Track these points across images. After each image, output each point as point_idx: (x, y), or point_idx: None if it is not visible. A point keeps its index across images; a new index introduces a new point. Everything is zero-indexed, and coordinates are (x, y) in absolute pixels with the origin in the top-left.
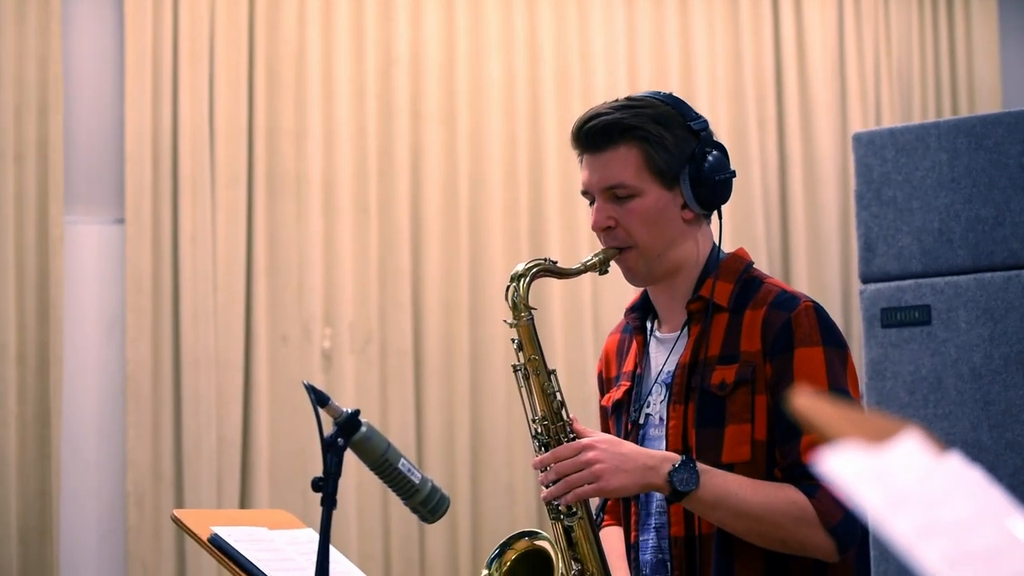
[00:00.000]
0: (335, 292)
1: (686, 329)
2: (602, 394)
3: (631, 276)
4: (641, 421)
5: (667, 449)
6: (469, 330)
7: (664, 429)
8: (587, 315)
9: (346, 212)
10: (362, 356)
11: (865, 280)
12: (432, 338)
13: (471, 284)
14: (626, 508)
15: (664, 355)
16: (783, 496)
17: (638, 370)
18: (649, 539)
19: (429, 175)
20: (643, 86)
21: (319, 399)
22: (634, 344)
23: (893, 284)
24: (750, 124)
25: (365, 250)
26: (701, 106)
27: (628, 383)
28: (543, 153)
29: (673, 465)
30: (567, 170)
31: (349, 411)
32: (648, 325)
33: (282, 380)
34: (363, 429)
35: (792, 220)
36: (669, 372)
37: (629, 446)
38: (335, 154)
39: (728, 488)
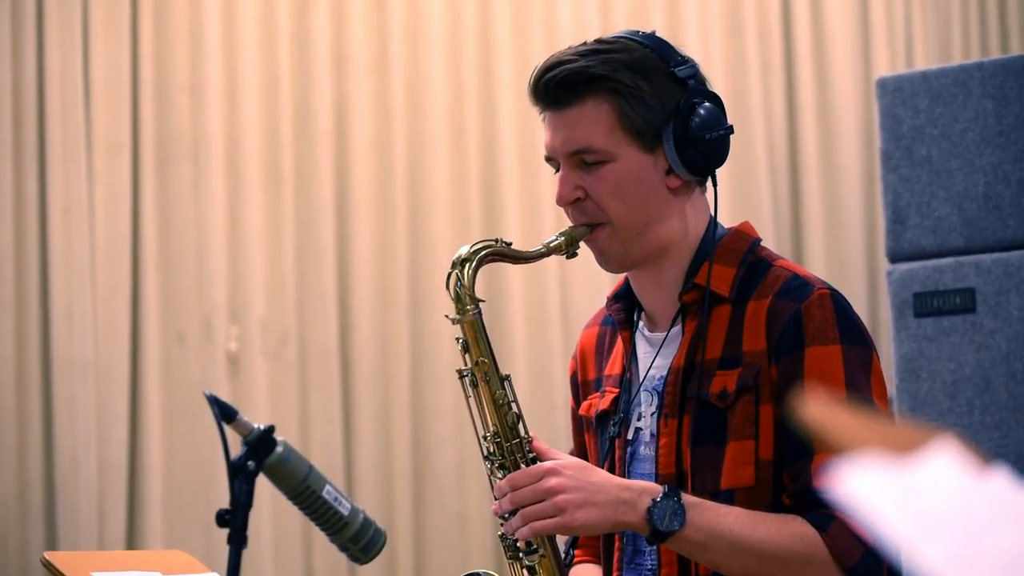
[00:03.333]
0: (242, 281)
1: (679, 325)
2: (576, 400)
3: (604, 260)
4: (630, 436)
5: (657, 472)
6: (408, 325)
7: (655, 448)
8: (553, 308)
9: (255, 182)
10: (277, 359)
11: (894, 259)
12: (363, 336)
13: (410, 269)
14: (608, 544)
15: (654, 356)
16: (789, 531)
17: (627, 374)
18: None
19: (357, 136)
20: (619, 24)
21: (224, 413)
22: (619, 341)
23: (929, 263)
24: (751, 68)
25: (279, 229)
26: (690, 46)
27: (616, 390)
28: (497, 108)
29: (653, 499)
30: (526, 128)
31: (262, 427)
32: (636, 318)
33: (178, 389)
34: (279, 449)
35: (804, 185)
36: (661, 378)
37: (601, 474)
38: (240, 111)
39: (721, 524)
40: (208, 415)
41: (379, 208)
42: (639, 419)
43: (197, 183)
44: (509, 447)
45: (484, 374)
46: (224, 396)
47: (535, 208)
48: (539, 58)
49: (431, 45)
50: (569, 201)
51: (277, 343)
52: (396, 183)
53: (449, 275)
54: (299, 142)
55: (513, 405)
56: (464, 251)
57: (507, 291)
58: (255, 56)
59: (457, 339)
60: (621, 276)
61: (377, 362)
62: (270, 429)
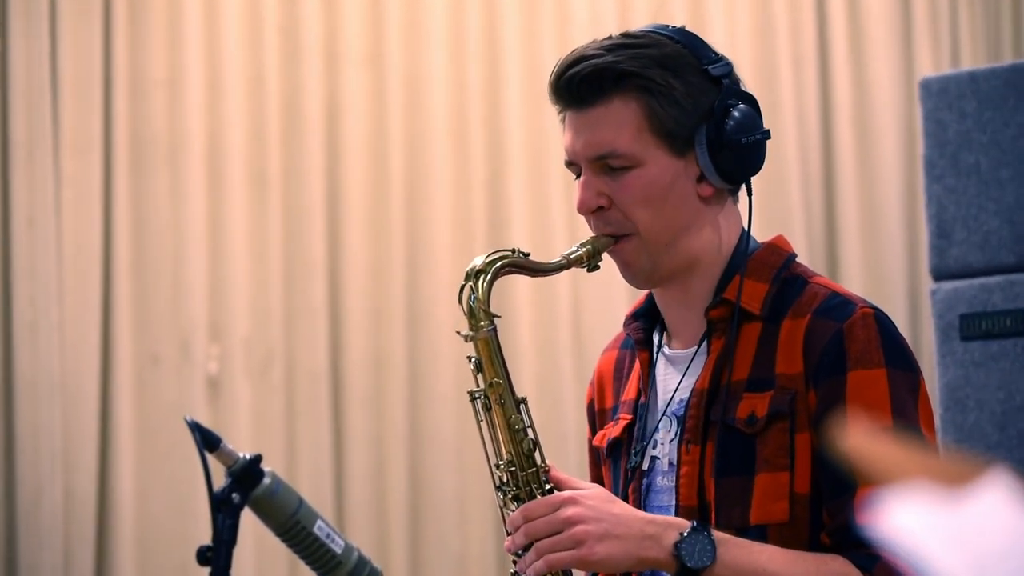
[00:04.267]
0: (224, 295)
1: (705, 344)
2: (593, 430)
3: (630, 274)
4: (645, 466)
5: (677, 504)
6: (405, 344)
7: (675, 478)
8: (564, 325)
9: (238, 187)
10: (261, 381)
11: (938, 276)
12: (355, 356)
13: (407, 283)
14: None
15: (676, 378)
16: (828, 570)
17: (642, 398)
18: None
19: (350, 136)
20: (638, 19)
21: (207, 441)
22: (636, 364)
23: (976, 282)
24: (782, 66)
25: (264, 238)
26: (716, 42)
27: (629, 416)
28: (503, 106)
29: (680, 534)
30: (536, 129)
31: (247, 456)
32: (656, 338)
33: (153, 414)
34: (267, 481)
35: (839, 195)
36: (682, 401)
37: (624, 506)
38: (222, 109)
39: (755, 562)
40: (186, 443)
41: (374, 216)
42: (655, 447)
43: (175, 187)
44: (524, 476)
45: (499, 396)
46: (203, 422)
47: (545, 217)
48: (549, 52)
49: (431, 37)
50: (591, 209)
51: (261, 363)
52: (392, 188)
53: (462, 288)
54: (287, 143)
55: (529, 431)
56: (479, 262)
57: (514, 309)
58: (239, 48)
59: (469, 358)
60: (642, 293)
61: (370, 385)
62: (257, 459)
